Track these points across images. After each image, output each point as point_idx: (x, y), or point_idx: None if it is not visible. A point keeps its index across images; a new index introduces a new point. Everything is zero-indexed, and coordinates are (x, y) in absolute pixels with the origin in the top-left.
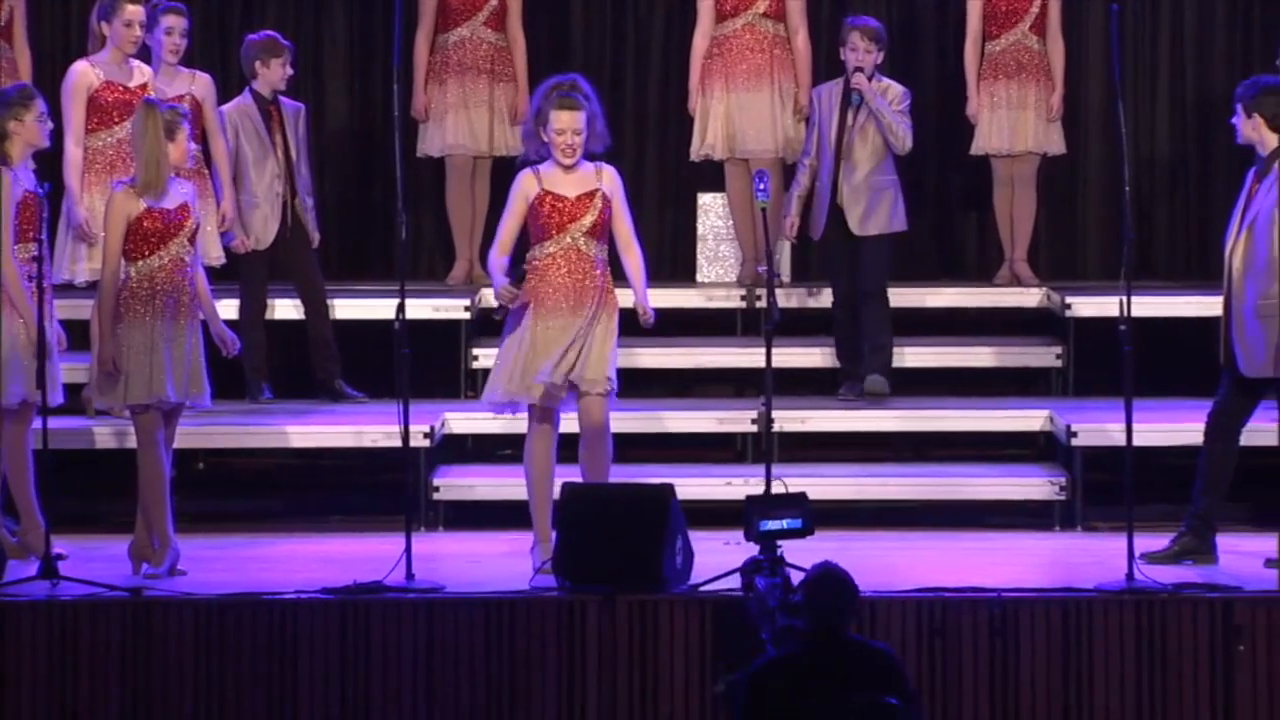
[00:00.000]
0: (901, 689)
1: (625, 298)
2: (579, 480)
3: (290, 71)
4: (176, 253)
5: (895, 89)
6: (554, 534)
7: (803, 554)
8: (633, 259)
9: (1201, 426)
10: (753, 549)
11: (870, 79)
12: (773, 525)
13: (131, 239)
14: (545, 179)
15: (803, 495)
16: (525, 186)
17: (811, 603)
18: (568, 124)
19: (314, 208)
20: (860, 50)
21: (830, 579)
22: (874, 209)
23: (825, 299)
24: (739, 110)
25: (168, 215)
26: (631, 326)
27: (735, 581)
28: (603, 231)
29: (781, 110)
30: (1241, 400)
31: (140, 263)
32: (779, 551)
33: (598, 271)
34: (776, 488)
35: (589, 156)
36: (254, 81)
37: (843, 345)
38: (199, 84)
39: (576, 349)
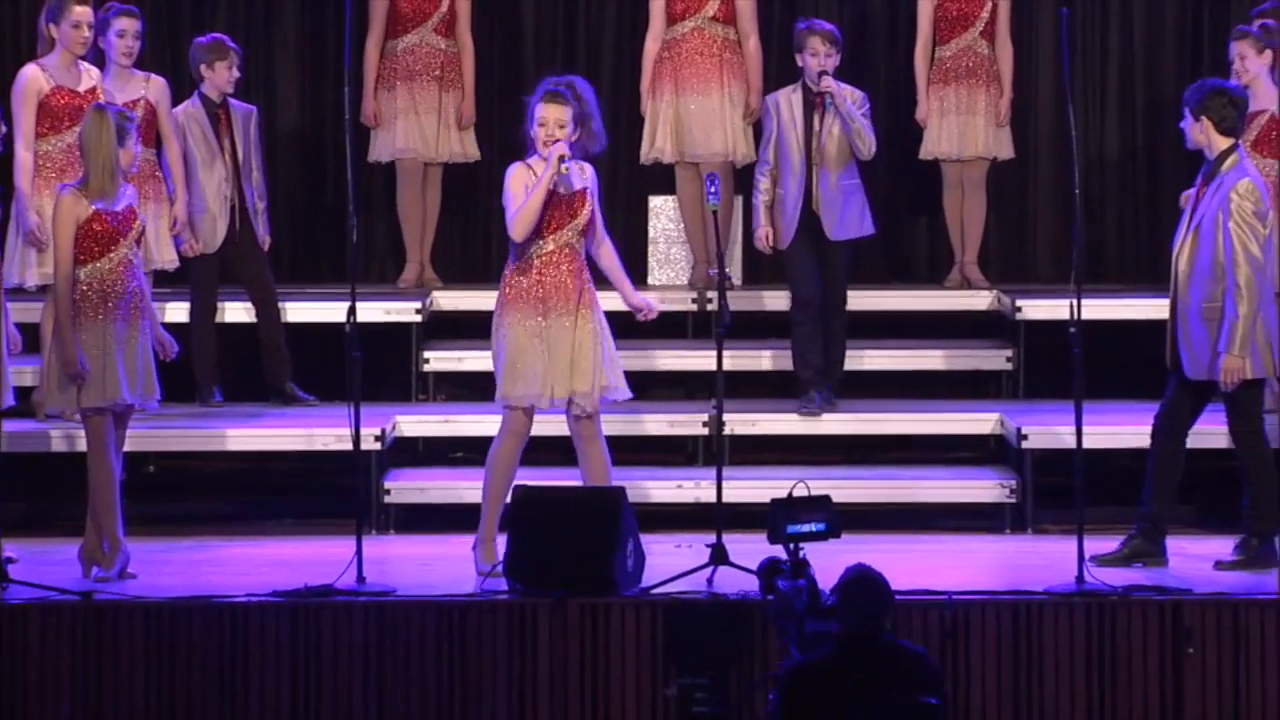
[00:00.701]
0: (938, 691)
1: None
2: (533, 483)
3: (237, 74)
4: (124, 255)
5: (855, 94)
6: (504, 538)
7: (748, 557)
8: (608, 250)
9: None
10: (705, 552)
11: None
12: (799, 528)
13: (81, 242)
14: (539, 172)
15: (827, 499)
16: (523, 176)
17: (847, 605)
18: (549, 116)
19: (266, 210)
20: (821, 55)
21: (865, 581)
22: (846, 213)
23: (781, 302)
24: (687, 114)
25: (116, 218)
26: None
27: (685, 584)
28: (592, 229)
29: (731, 113)
30: (1187, 403)
31: (90, 266)
32: (802, 555)
33: (588, 268)
34: (799, 490)
35: (585, 157)
36: (202, 84)
37: (806, 354)
38: (153, 87)
39: (587, 354)
